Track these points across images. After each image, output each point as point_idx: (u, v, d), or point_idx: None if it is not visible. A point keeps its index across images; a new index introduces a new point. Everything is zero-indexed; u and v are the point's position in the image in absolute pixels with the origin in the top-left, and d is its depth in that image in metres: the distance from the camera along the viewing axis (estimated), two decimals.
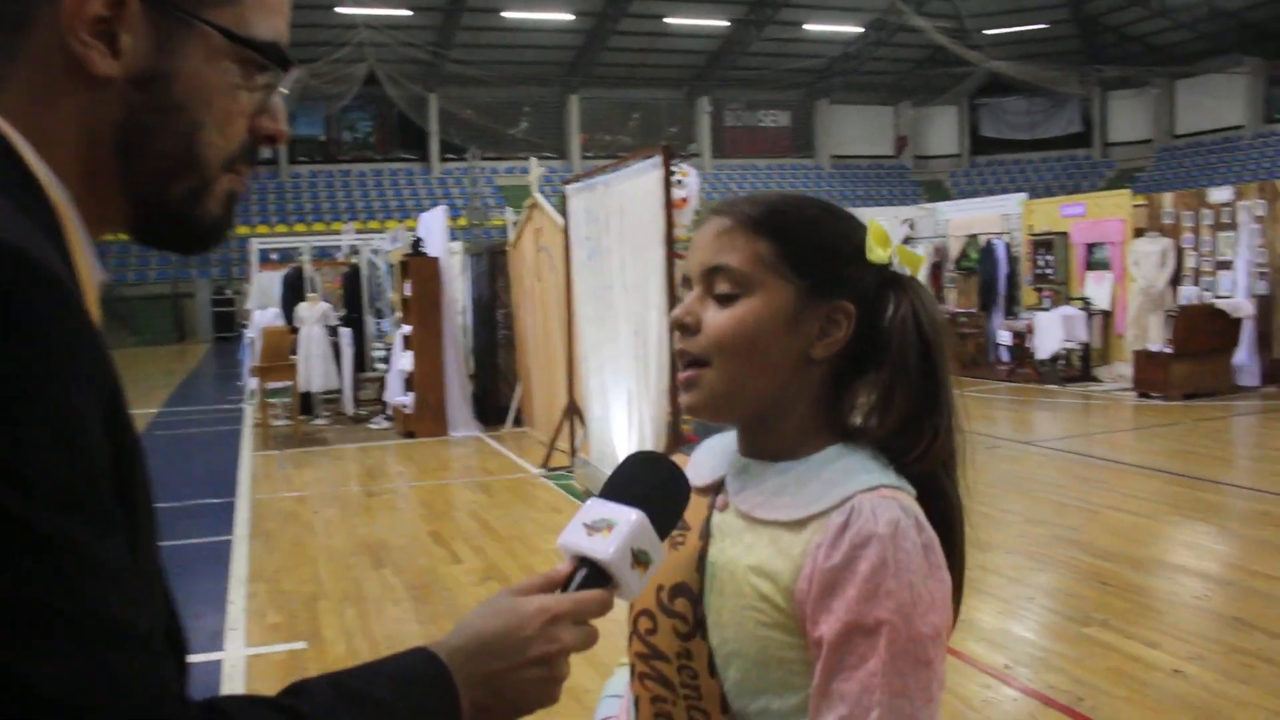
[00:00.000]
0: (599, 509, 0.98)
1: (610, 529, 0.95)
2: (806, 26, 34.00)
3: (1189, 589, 4.98)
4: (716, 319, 1.07)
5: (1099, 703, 3.68)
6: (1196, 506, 6.71)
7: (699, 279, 1.10)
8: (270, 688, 3.17)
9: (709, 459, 1.19)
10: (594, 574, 0.95)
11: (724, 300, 1.08)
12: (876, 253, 1.10)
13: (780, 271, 1.07)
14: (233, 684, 4.27)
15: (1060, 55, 35.41)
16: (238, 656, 4.60)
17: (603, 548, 0.95)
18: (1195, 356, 11.23)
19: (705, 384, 1.08)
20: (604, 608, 0.95)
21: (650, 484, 1.01)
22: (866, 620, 0.96)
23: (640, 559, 0.96)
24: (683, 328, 1.09)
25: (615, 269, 7.33)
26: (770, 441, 1.11)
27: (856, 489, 1.03)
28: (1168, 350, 11.32)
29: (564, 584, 0.95)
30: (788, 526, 1.04)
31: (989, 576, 5.32)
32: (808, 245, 1.09)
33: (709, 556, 1.09)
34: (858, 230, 1.12)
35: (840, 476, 1.05)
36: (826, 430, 1.11)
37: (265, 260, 17.84)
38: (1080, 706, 3.66)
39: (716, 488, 1.14)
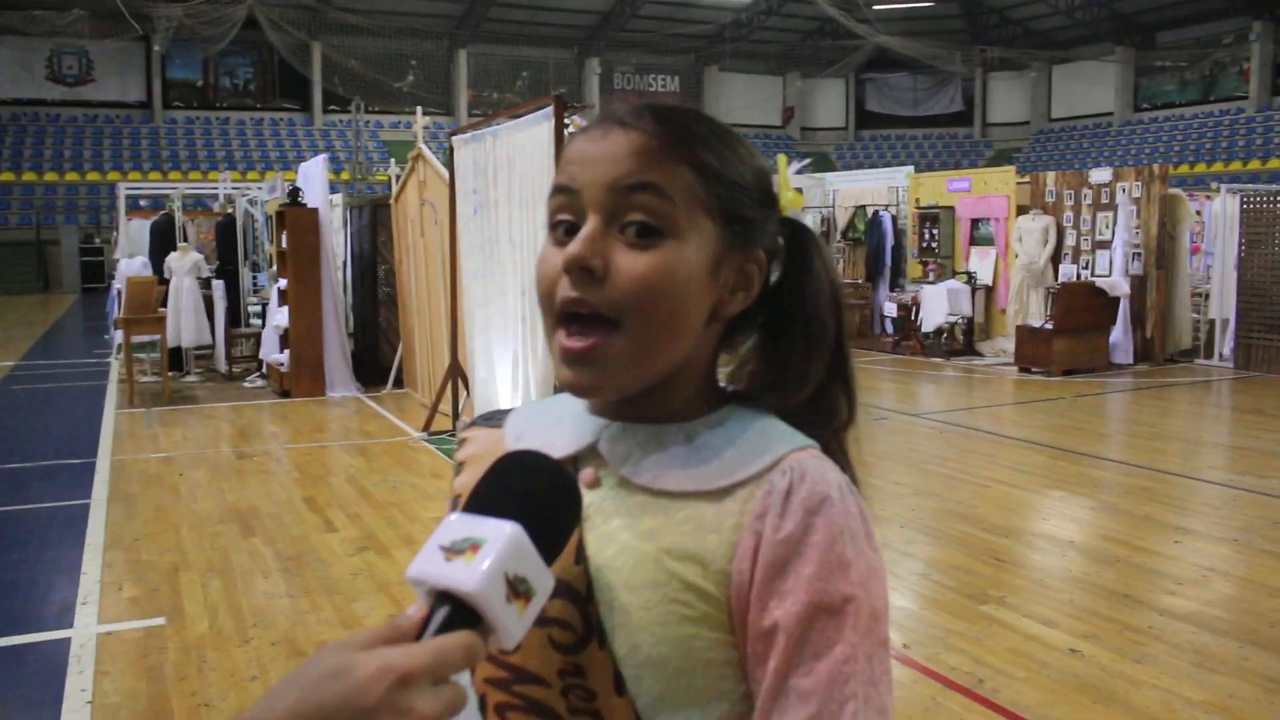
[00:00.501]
0: (461, 526, 0.75)
1: (475, 550, 0.72)
2: None
3: (1079, 566, 4.99)
4: (635, 265, 0.84)
5: (999, 685, 3.61)
6: (1081, 481, 6.79)
7: (600, 204, 0.86)
8: (123, 669, 2.85)
9: (545, 427, 0.96)
10: (457, 613, 0.71)
11: (642, 240, 0.85)
12: (786, 196, 0.96)
13: (708, 209, 0.88)
14: (81, 665, 3.92)
15: (945, 34, 36.15)
16: (88, 635, 4.24)
17: (466, 576, 0.71)
18: (1075, 333, 11.48)
19: (612, 357, 0.85)
20: (471, 658, 0.70)
21: (526, 489, 0.79)
22: (831, 598, 0.81)
23: (518, 589, 0.73)
24: (585, 271, 0.84)
25: (503, 223, 7.06)
26: (651, 407, 0.91)
27: (787, 449, 0.87)
28: (1049, 326, 11.54)
29: (418, 631, 0.71)
30: (708, 497, 0.86)
31: (883, 551, 5.25)
32: (732, 180, 0.90)
33: (588, 545, 0.88)
34: (766, 168, 0.95)
35: (762, 437, 0.89)
36: (712, 393, 0.95)
37: (134, 207, 16.99)
38: (981, 689, 3.59)
39: (573, 461, 0.92)
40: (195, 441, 8.38)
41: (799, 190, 1.01)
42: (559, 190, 0.89)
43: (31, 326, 18.49)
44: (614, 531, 0.87)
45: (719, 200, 0.88)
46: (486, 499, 0.78)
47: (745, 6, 35.27)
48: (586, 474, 0.91)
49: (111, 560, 5.23)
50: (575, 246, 0.85)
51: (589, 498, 0.89)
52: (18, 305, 23.33)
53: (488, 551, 0.72)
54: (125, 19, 27.06)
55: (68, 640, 4.19)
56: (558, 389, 1.00)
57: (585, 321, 0.86)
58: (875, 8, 33.80)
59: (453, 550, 0.73)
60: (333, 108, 34.41)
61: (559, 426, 0.95)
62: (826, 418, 0.94)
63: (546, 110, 6.25)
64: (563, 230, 0.88)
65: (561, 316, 0.87)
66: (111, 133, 32.07)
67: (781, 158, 0.97)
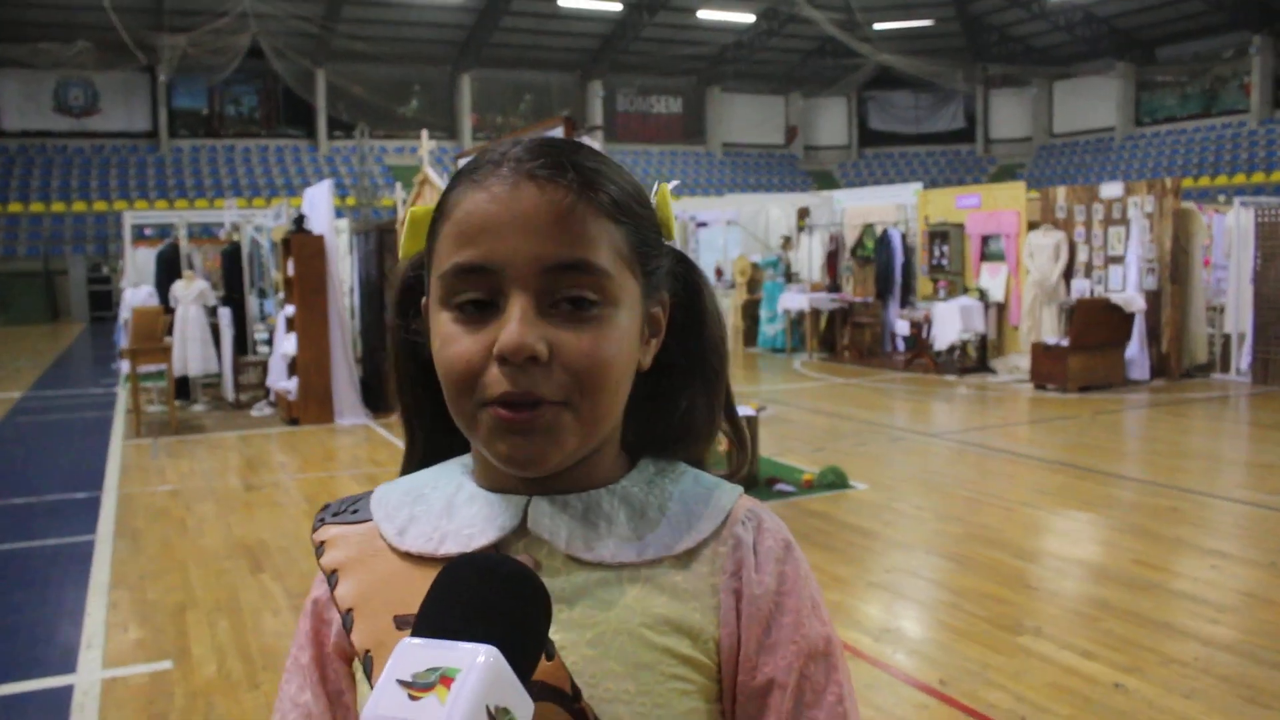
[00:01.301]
0: (422, 654, 0.63)
1: (447, 683, 0.61)
2: (699, 14, 33.82)
3: (1114, 593, 4.83)
4: (580, 345, 0.76)
5: None
6: (1108, 502, 6.63)
7: (527, 283, 0.76)
8: (128, 717, 2.70)
9: (434, 515, 0.85)
10: None
11: (580, 312, 0.77)
12: (670, 229, 0.89)
13: (630, 265, 0.81)
14: (84, 714, 3.77)
15: (946, 52, 36.22)
16: (92, 680, 4.09)
17: (443, 717, 0.60)
18: (1090, 350, 11.33)
19: (558, 431, 0.77)
20: None
21: (488, 600, 0.68)
22: (815, 643, 0.81)
23: None
24: (531, 359, 0.75)
25: None
26: (576, 475, 0.83)
27: (730, 499, 0.85)
28: (1064, 343, 11.40)
29: None
30: (673, 563, 0.81)
31: (910, 580, 5.11)
32: (643, 221, 0.83)
33: (556, 638, 0.77)
34: (643, 188, 0.87)
35: (700, 490, 0.86)
36: (623, 449, 0.89)
37: (140, 236, 16.94)
38: None
39: (494, 550, 0.81)
40: (202, 473, 8.25)
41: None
42: (466, 270, 0.77)
43: (39, 356, 18.41)
44: (580, 618, 0.79)
45: (638, 253, 0.82)
46: (442, 618, 0.67)
47: (747, 27, 35.30)
48: (523, 561, 0.78)
49: (117, 600, 5.09)
50: (514, 333, 0.75)
51: None
52: (26, 335, 23.28)
53: (463, 685, 0.61)
54: (130, 50, 27.11)
55: (71, 687, 4.04)
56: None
57: (531, 403, 0.77)
58: (876, 26, 33.88)
59: (418, 686, 0.62)
60: (337, 134, 34.44)
61: (453, 511, 0.84)
62: (731, 465, 0.93)
63: (555, 131, 6.15)
64: (472, 307, 0.78)
65: (495, 404, 0.77)
66: (118, 162, 32.11)
67: (662, 184, 0.89)
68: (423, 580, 0.72)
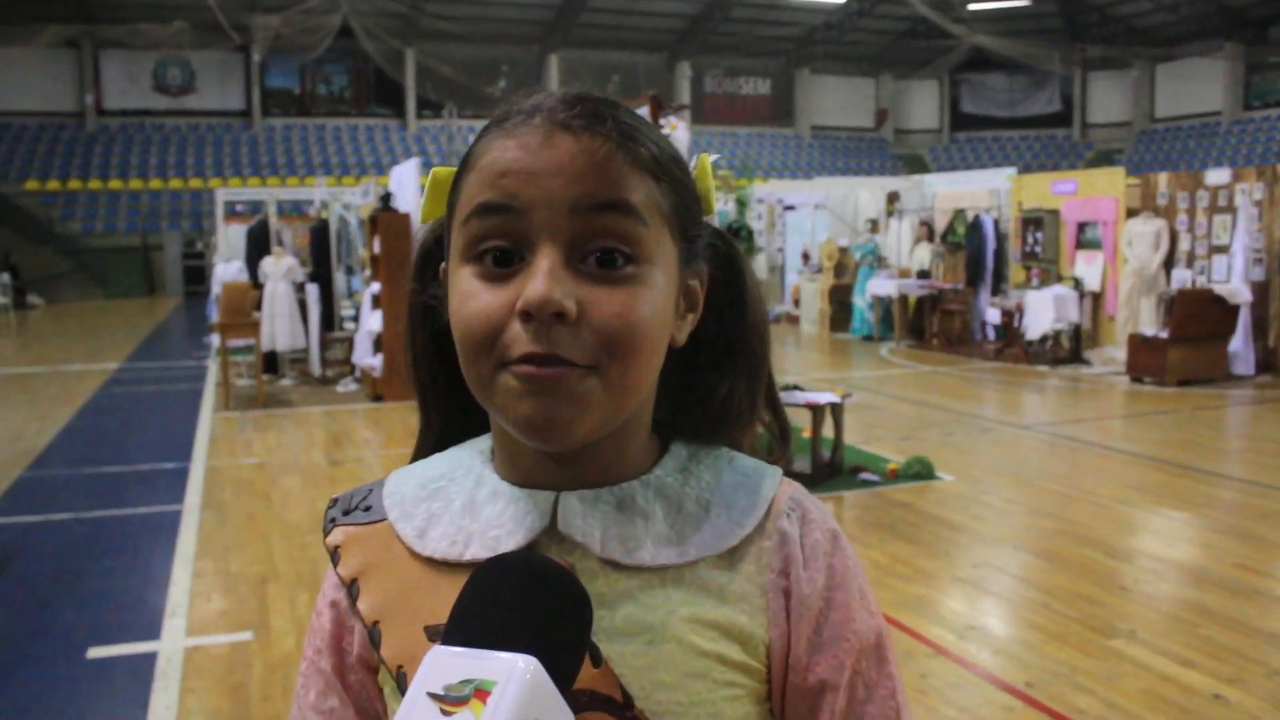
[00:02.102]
0: (455, 664, 0.59)
1: (483, 697, 0.57)
2: None
3: (1215, 598, 4.62)
4: (612, 304, 0.70)
5: None
6: (1208, 502, 6.37)
7: (558, 229, 0.70)
8: (208, 686, 2.70)
9: (455, 514, 0.78)
10: None
11: (612, 270, 0.71)
12: (711, 203, 0.83)
13: (670, 224, 0.75)
14: (167, 681, 3.83)
15: (1042, 33, 35.26)
16: (175, 648, 4.15)
17: None
18: (1191, 342, 10.93)
19: (584, 397, 0.70)
20: None
21: (526, 604, 0.63)
22: (867, 638, 0.78)
23: None
24: (555, 316, 0.69)
25: None
26: (604, 462, 0.78)
27: (771, 487, 0.80)
28: (1163, 335, 11.01)
29: None
30: (716, 562, 0.76)
31: (998, 576, 4.96)
32: (685, 184, 0.78)
33: (601, 645, 0.72)
34: (681, 154, 0.81)
35: (739, 478, 0.80)
36: (655, 432, 0.83)
37: (232, 213, 17.28)
38: None
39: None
40: (288, 446, 8.37)
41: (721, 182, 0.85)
42: (489, 210, 0.71)
43: (136, 329, 18.92)
44: (624, 625, 0.74)
45: (677, 213, 0.76)
46: (476, 624, 0.62)
47: (837, 8, 34.78)
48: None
49: (201, 570, 5.17)
50: (541, 286, 0.68)
51: None
52: (124, 309, 23.95)
53: (501, 699, 0.56)
54: (225, 30, 27.68)
55: (154, 654, 4.10)
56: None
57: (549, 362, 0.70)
58: (971, 7, 33.12)
59: (450, 700, 0.57)
60: (426, 113, 34.81)
61: (475, 510, 0.78)
62: (774, 455, 0.87)
63: (641, 110, 6.07)
64: (491, 260, 0.71)
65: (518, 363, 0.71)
66: (213, 140, 32.86)
67: (703, 156, 0.83)
68: (449, 587, 0.68)
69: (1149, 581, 4.87)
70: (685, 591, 0.75)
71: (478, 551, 0.76)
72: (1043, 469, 7.35)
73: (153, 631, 4.35)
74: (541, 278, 0.69)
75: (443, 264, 0.80)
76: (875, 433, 8.33)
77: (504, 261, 0.71)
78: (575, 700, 0.68)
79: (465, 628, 0.62)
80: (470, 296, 0.72)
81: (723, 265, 0.84)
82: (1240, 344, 11.32)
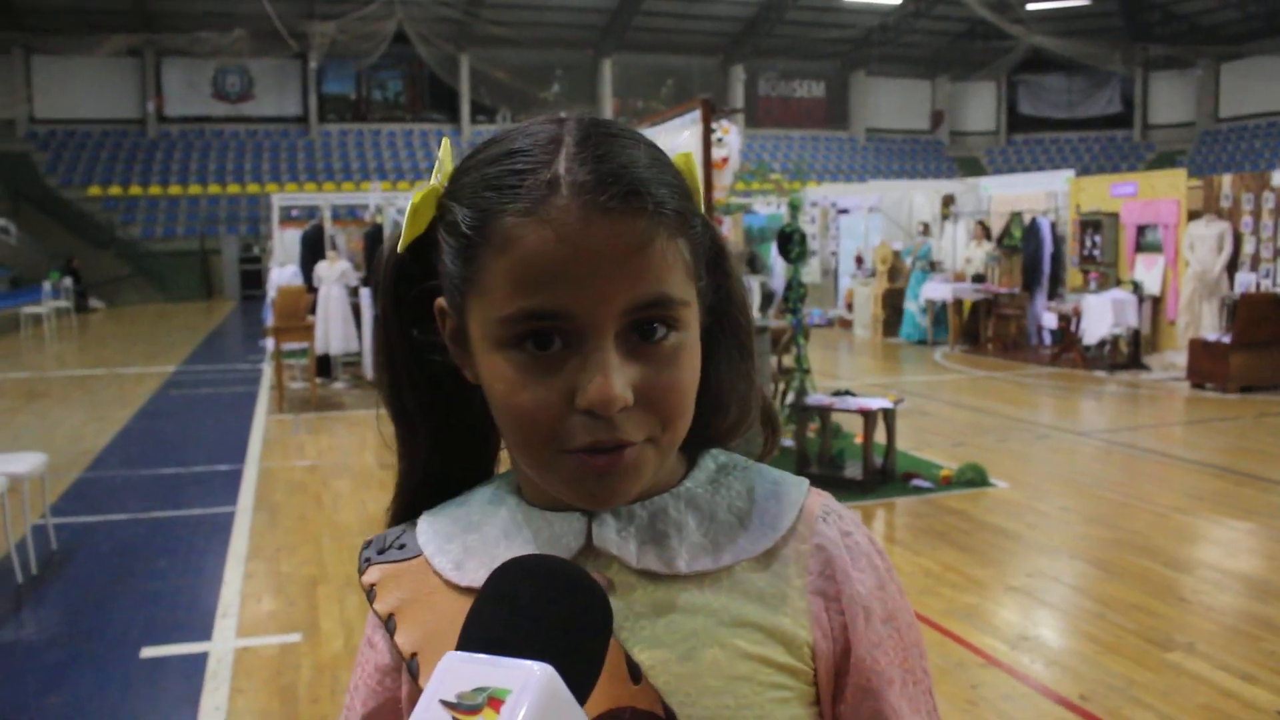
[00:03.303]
0: (468, 670, 0.57)
1: (496, 705, 0.55)
2: None
3: (1278, 611, 4.50)
4: (664, 379, 0.71)
5: None
6: (1271, 512, 6.20)
7: (609, 328, 0.69)
8: (257, 687, 2.71)
9: (491, 543, 0.78)
10: None
11: (653, 346, 0.71)
12: (699, 198, 0.80)
13: (694, 275, 0.75)
14: (217, 681, 3.87)
15: (1103, 32, 34.67)
16: (226, 649, 4.19)
17: None
18: (1255, 347, 10.67)
19: (643, 467, 0.72)
20: None
21: (544, 609, 0.62)
22: (908, 635, 0.79)
23: None
24: (622, 410, 0.69)
25: None
26: None
27: (800, 492, 0.81)
28: (1225, 340, 10.77)
29: None
30: (752, 566, 0.76)
31: (1053, 585, 4.86)
32: (692, 214, 0.75)
33: (639, 657, 0.72)
34: (678, 167, 0.78)
35: (766, 484, 0.81)
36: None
37: (287, 218, 17.46)
38: None
39: None
40: (340, 449, 8.44)
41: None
42: (538, 317, 0.69)
43: (193, 332, 19.23)
44: (665, 633, 0.74)
45: (696, 258, 0.75)
46: (492, 629, 0.61)
47: (893, 9, 34.49)
48: (597, 580, 0.71)
49: (253, 571, 5.22)
50: (606, 387, 0.68)
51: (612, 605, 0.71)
52: (183, 312, 24.37)
53: (515, 709, 0.54)
54: (283, 38, 28.09)
55: (206, 654, 4.15)
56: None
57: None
58: (1029, 7, 32.69)
59: (463, 708, 0.55)
60: (480, 118, 35.04)
61: (511, 537, 0.78)
62: (764, 447, 0.87)
63: (694, 114, 6.06)
64: (532, 343, 0.70)
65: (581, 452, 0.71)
66: (270, 146, 33.34)
67: (689, 154, 0.80)
68: None
69: (1209, 593, 4.75)
70: (725, 596, 0.75)
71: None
72: (1099, 476, 7.21)
73: (204, 632, 4.41)
74: (604, 378, 0.68)
75: (438, 299, 0.78)
76: (928, 439, 8.22)
77: (543, 344, 0.70)
78: (617, 718, 0.70)
79: (480, 633, 0.61)
80: (519, 387, 0.70)
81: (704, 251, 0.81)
82: None
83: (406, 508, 0.87)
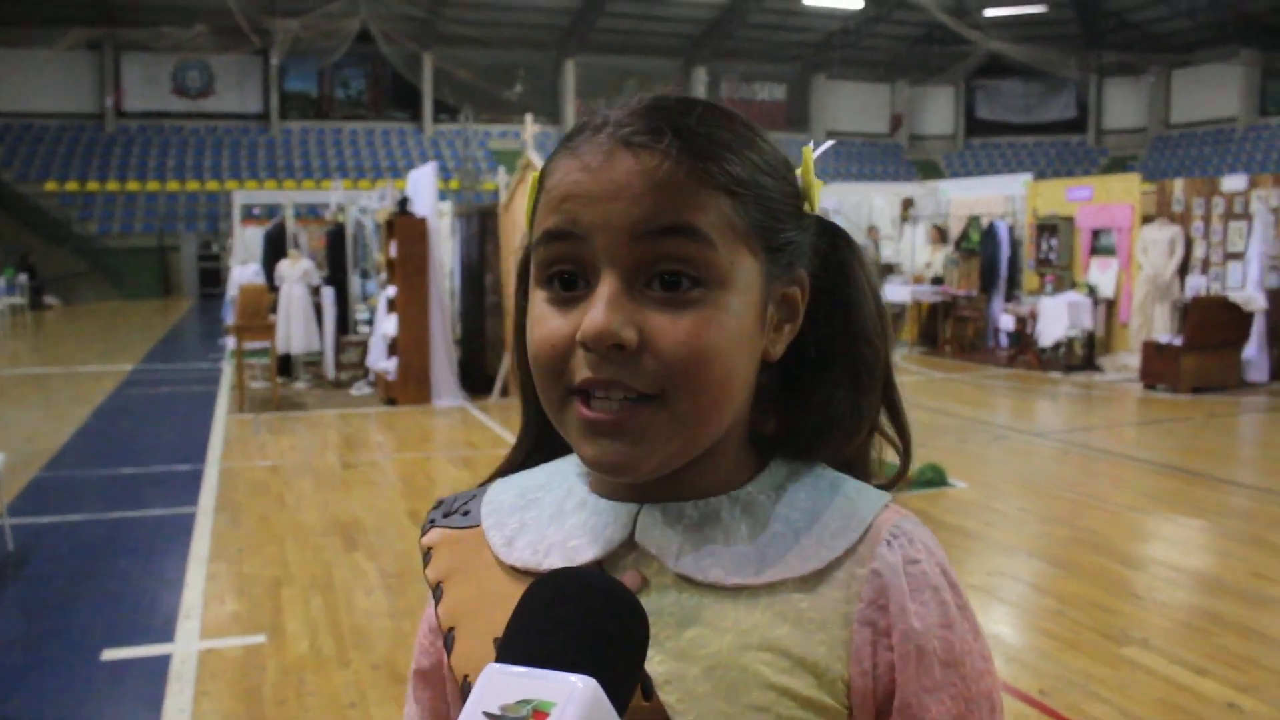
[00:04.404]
0: (511, 683, 0.57)
1: (542, 718, 0.55)
2: (805, 0, 33.40)
3: (1230, 606, 4.60)
4: (676, 330, 0.67)
5: None
6: (1222, 510, 6.35)
7: (618, 255, 0.68)
8: (222, 689, 2.71)
9: (543, 522, 0.77)
10: None
11: (678, 294, 0.67)
12: (814, 199, 0.77)
13: (748, 242, 0.70)
14: (181, 684, 3.85)
15: (1059, 39, 35.11)
16: (189, 650, 4.17)
17: None
18: (1205, 349, 10.88)
19: (652, 429, 0.68)
20: None
21: (585, 623, 0.61)
22: (983, 687, 0.71)
23: None
24: (614, 348, 0.67)
25: None
26: (692, 478, 0.74)
27: (872, 510, 0.73)
28: (1177, 342, 10.97)
29: None
30: (798, 586, 0.70)
31: (1011, 583, 4.95)
32: (769, 196, 0.72)
33: (656, 670, 0.69)
34: (789, 160, 0.77)
35: (837, 499, 0.74)
36: (752, 447, 0.78)
37: (248, 215, 17.35)
38: None
39: (599, 564, 0.74)
40: (302, 449, 8.40)
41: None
42: (553, 237, 0.70)
43: (151, 330, 19.00)
44: (689, 646, 0.70)
45: (760, 228, 0.71)
46: (533, 641, 0.60)
47: (854, 14, 34.73)
48: (630, 578, 0.72)
49: (215, 572, 5.19)
50: (598, 317, 0.66)
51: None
52: (140, 309, 24.07)
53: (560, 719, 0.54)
54: (245, 34, 27.80)
55: (169, 656, 4.13)
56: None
57: (611, 390, 0.68)
58: (987, 13, 33.03)
59: None
60: (442, 117, 34.90)
61: (561, 519, 0.77)
62: (869, 465, 0.81)
63: None
64: (560, 284, 0.70)
65: (579, 392, 0.69)
66: (230, 143, 33.01)
67: (806, 149, 0.77)
68: None
69: (1163, 589, 4.86)
70: (760, 615, 0.70)
71: (556, 560, 0.74)
72: (1056, 476, 7.33)
73: (167, 634, 4.38)
74: (599, 308, 0.67)
75: None
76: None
77: (571, 284, 0.70)
78: None
79: (522, 645, 0.60)
80: (539, 322, 0.71)
81: (825, 264, 0.78)
82: (1254, 351, 11.27)
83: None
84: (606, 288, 0.67)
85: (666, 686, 0.69)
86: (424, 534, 0.84)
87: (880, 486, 0.79)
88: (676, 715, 0.68)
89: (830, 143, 0.82)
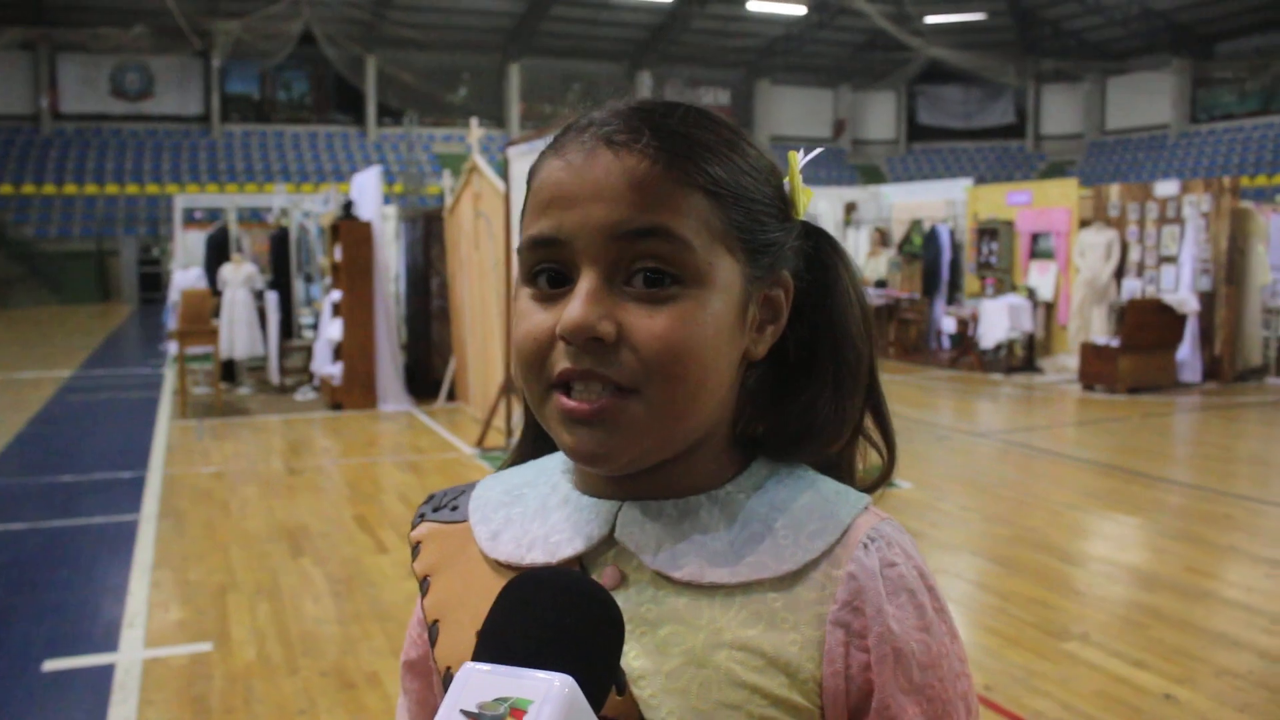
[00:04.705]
0: (489, 681, 0.58)
1: (518, 716, 0.56)
2: (750, 5, 33.61)
3: (1166, 600, 4.72)
4: (653, 325, 0.68)
5: None
6: (1159, 508, 6.50)
7: (597, 256, 0.69)
8: (168, 699, 2.68)
9: (527, 518, 0.79)
10: None
11: (656, 291, 0.69)
12: (800, 204, 0.79)
13: (728, 242, 0.72)
14: (125, 693, 3.80)
15: (997, 46, 35.72)
16: (134, 659, 4.12)
17: None
18: (1141, 350, 11.13)
19: (629, 421, 0.69)
20: None
21: (561, 621, 0.62)
22: (960, 689, 0.72)
23: None
24: (592, 341, 0.69)
25: None
26: (672, 476, 0.75)
27: (851, 513, 0.74)
28: (1114, 344, 11.21)
29: None
30: (773, 585, 0.71)
31: (955, 582, 5.03)
32: (751, 198, 0.73)
33: (630, 666, 0.71)
34: (778, 167, 0.78)
35: (816, 500, 0.75)
36: (735, 446, 0.78)
37: (190, 220, 17.13)
38: None
39: (579, 561, 0.75)
40: (246, 455, 8.31)
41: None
42: (538, 243, 0.71)
43: (90, 336, 18.66)
44: (664, 643, 0.71)
45: (739, 229, 0.72)
46: (510, 639, 0.61)
47: (797, 20, 35.04)
48: (609, 574, 0.74)
49: (159, 580, 5.13)
50: (575, 311, 0.68)
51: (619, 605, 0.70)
52: (78, 315, 23.63)
53: (539, 718, 0.55)
54: (185, 35, 27.42)
55: (112, 666, 4.07)
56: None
57: (590, 381, 0.70)
58: (928, 20, 33.49)
59: (485, 718, 0.56)
60: (386, 121, 34.63)
61: (545, 515, 0.78)
62: (853, 468, 0.83)
63: None
64: (546, 280, 0.72)
65: (559, 384, 0.71)
66: (171, 146, 32.49)
67: (792, 154, 0.79)
68: None
69: (1101, 585, 4.97)
70: (734, 614, 0.71)
71: (538, 555, 0.76)
72: (998, 476, 7.47)
73: (110, 643, 4.32)
74: (578, 302, 0.68)
75: None
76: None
77: (557, 282, 0.71)
78: None
79: (499, 644, 0.61)
80: (524, 317, 0.72)
81: (812, 268, 0.80)
82: (1188, 352, 11.54)
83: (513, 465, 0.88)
84: (586, 283, 0.69)
85: (640, 681, 0.70)
86: (414, 528, 0.85)
87: (864, 489, 0.81)
88: (649, 710, 0.69)
89: (818, 150, 0.83)
